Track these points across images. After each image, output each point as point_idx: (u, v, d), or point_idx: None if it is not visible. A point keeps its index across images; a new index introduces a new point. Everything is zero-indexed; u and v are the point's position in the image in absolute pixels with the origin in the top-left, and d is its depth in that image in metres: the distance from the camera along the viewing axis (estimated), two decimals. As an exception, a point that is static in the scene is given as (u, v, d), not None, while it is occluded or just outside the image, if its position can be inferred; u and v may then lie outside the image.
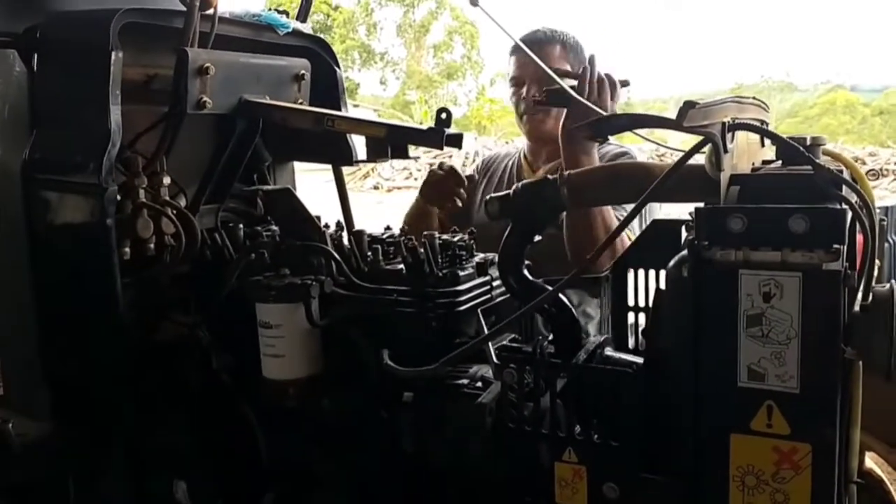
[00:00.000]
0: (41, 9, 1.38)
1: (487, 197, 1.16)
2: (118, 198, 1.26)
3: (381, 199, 16.87)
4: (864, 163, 16.76)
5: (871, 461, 1.82)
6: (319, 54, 1.70)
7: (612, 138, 2.01)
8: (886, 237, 1.21)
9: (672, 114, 0.85)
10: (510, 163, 2.23)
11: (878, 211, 1.06)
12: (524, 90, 2.07)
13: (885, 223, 1.15)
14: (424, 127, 1.31)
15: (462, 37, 37.26)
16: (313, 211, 1.43)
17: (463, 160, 18.18)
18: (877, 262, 1.08)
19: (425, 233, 1.25)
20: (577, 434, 0.98)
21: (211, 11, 1.37)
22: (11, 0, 1.40)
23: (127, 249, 1.29)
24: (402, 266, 1.25)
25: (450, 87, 38.53)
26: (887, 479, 1.83)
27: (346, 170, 1.84)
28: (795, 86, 43.12)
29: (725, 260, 0.81)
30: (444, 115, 1.26)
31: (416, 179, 18.93)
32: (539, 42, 2.06)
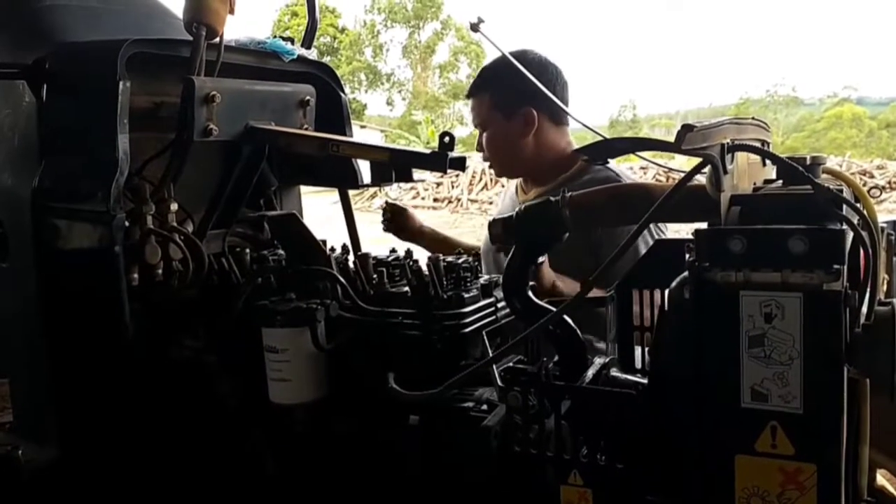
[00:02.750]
0: (50, 40, 1.41)
1: (490, 219, 1.17)
2: (126, 224, 1.28)
3: (389, 219, 16.90)
4: (872, 176, 16.70)
5: (883, 478, 1.80)
6: (324, 80, 1.72)
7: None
8: (895, 251, 1.21)
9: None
10: (511, 191, 2.32)
11: (885, 225, 1.06)
12: (482, 137, 2.14)
13: (893, 237, 1.15)
14: (428, 151, 1.32)
15: (468, 57, 37.54)
16: (319, 233, 1.44)
17: (470, 179, 18.27)
18: (885, 276, 1.08)
19: (430, 255, 1.26)
20: (583, 456, 0.98)
21: (217, 40, 1.39)
22: (21, 32, 1.43)
23: (135, 275, 1.31)
24: (407, 289, 1.26)
25: (456, 106, 38.77)
26: (900, 497, 1.81)
27: (353, 190, 1.86)
28: (801, 100, 43.13)
29: (726, 281, 0.81)
30: (447, 139, 1.28)
31: (423, 199, 19.01)
32: (470, 94, 2.15)
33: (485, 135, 2.11)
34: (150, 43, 1.35)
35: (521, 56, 2.01)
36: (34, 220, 1.31)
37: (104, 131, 1.25)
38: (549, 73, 2.06)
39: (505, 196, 2.36)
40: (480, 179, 17.88)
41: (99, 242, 1.26)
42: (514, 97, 2.02)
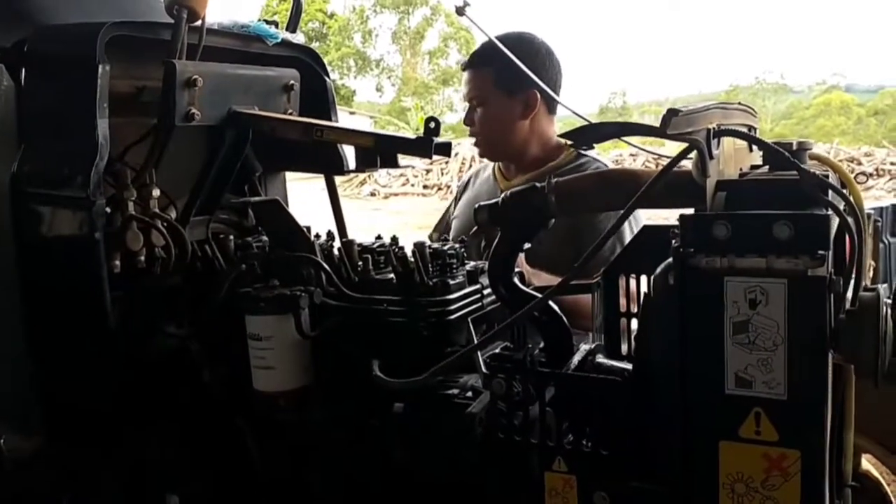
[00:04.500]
0: (29, 22, 1.38)
1: (476, 205, 1.16)
2: (108, 210, 1.26)
3: (378, 206, 16.88)
4: (859, 163, 16.78)
5: (868, 463, 1.82)
6: (309, 64, 1.70)
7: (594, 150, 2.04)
8: (882, 238, 1.21)
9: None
10: (486, 174, 2.26)
11: (872, 212, 1.06)
12: (474, 112, 2.07)
13: (879, 224, 1.15)
14: (413, 136, 1.31)
15: (457, 42, 37.38)
16: (307, 220, 1.43)
17: (460, 166, 18.24)
18: (872, 263, 1.08)
19: (415, 241, 1.25)
20: (567, 443, 0.98)
21: (199, 23, 1.37)
22: (-1, 14, 1.40)
23: (117, 262, 1.29)
24: (392, 275, 1.25)
25: (446, 92, 38.66)
26: (884, 481, 1.83)
27: (342, 177, 1.84)
28: (790, 87, 43.17)
29: (711, 267, 0.81)
30: (432, 125, 1.27)
31: (412, 186, 18.98)
32: (470, 66, 2.07)
33: (479, 110, 2.05)
34: (131, 25, 1.33)
35: (529, 41, 1.99)
36: (13, 207, 1.29)
37: (84, 116, 1.23)
38: (553, 62, 2.04)
39: (476, 181, 2.30)
40: (470, 166, 17.87)
41: (79, 229, 1.25)
42: (520, 77, 1.91)
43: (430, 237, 2.20)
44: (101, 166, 1.22)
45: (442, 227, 2.30)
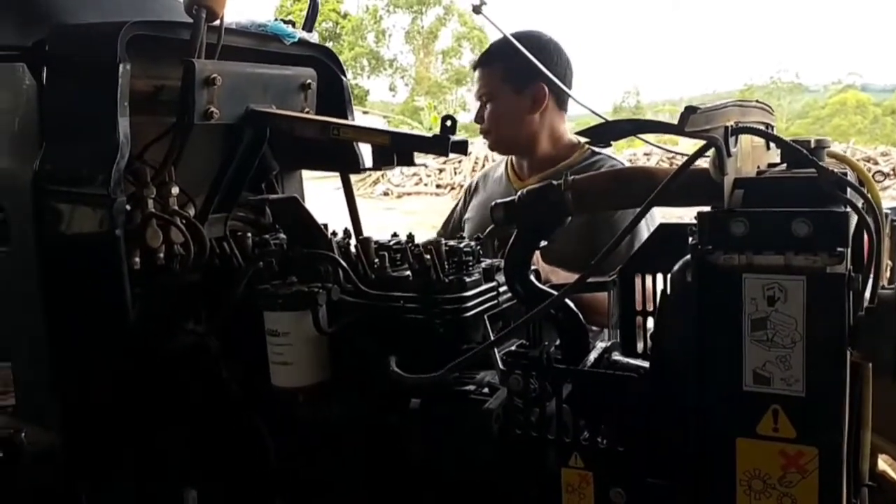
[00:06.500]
0: (50, 22, 1.40)
1: (492, 203, 1.17)
2: (128, 208, 1.28)
3: (392, 206, 16.89)
4: (876, 163, 16.65)
5: (885, 463, 1.81)
6: (325, 63, 1.71)
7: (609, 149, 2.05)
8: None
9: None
10: (498, 174, 2.28)
11: (888, 211, 1.06)
12: (484, 109, 2.11)
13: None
14: (429, 134, 1.32)
15: (470, 42, 37.36)
16: (321, 218, 1.44)
17: (472, 165, 18.23)
18: (889, 263, 1.08)
19: (431, 239, 1.26)
20: (584, 439, 0.98)
21: (217, 23, 1.38)
22: (20, 14, 1.42)
23: (137, 259, 1.31)
24: (408, 273, 1.26)
25: (459, 92, 38.67)
26: (901, 482, 1.81)
27: (355, 176, 1.85)
28: (805, 86, 42.81)
29: (729, 264, 0.81)
30: (448, 123, 1.27)
31: (425, 185, 18.99)
32: (480, 64, 2.12)
33: (489, 106, 2.09)
34: (151, 25, 1.34)
35: (537, 37, 2.01)
36: (35, 205, 1.30)
37: (105, 114, 1.24)
38: (562, 58, 2.07)
39: (489, 180, 2.32)
40: (483, 165, 17.84)
41: (100, 226, 1.26)
42: (528, 72, 1.97)
43: (438, 235, 2.21)
44: (121, 164, 1.23)
45: (448, 228, 2.31)
